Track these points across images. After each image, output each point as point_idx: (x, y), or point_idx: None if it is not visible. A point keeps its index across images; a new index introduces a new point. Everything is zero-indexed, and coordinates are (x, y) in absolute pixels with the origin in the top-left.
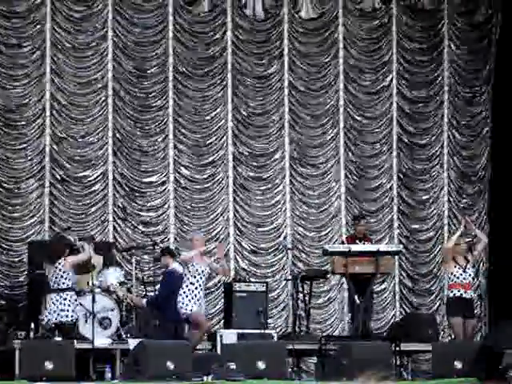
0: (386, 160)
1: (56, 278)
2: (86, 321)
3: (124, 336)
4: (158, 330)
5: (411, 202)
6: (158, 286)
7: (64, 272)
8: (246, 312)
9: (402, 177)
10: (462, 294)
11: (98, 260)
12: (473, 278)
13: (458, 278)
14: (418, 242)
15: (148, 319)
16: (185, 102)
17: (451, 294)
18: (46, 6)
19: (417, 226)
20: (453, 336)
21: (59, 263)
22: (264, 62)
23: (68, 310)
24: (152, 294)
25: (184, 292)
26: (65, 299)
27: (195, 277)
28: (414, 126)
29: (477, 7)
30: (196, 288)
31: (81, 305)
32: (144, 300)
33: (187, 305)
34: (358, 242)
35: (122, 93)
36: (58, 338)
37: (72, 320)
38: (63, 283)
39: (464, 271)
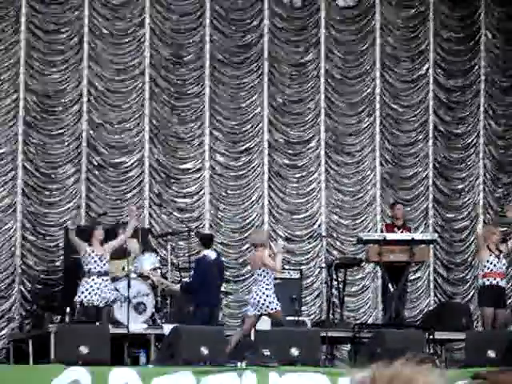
0: (421, 149)
1: (94, 260)
2: (121, 306)
3: (159, 321)
4: (191, 315)
5: (446, 191)
6: (191, 272)
7: (101, 256)
8: (281, 299)
9: (437, 166)
10: (497, 283)
11: (134, 246)
12: (506, 268)
13: (494, 265)
14: (453, 231)
15: (182, 305)
16: (221, 89)
17: (487, 283)
18: None
19: (452, 215)
20: (481, 325)
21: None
22: (300, 49)
23: (107, 292)
24: (187, 279)
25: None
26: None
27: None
28: (450, 115)
29: None
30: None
31: (116, 290)
32: (178, 286)
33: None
34: (396, 230)
35: (159, 79)
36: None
37: (107, 303)
38: (100, 267)
39: (499, 260)
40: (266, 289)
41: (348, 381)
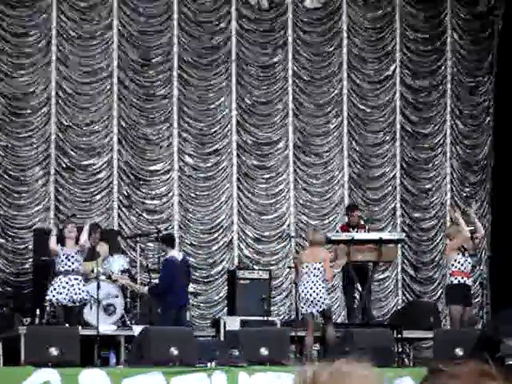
0: (389, 149)
1: (61, 260)
2: (91, 307)
3: (128, 322)
4: (160, 316)
5: (414, 191)
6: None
7: (68, 255)
8: (250, 299)
9: (404, 166)
10: (465, 281)
11: (103, 247)
12: (472, 266)
13: (462, 265)
14: (421, 231)
15: (152, 306)
16: (189, 91)
17: (455, 281)
18: None
19: (419, 215)
20: (449, 323)
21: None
22: (268, 51)
23: (78, 292)
24: (156, 281)
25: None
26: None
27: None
28: (417, 115)
29: None
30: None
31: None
32: (146, 288)
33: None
34: (351, 230)
35: (127, 82)
36: (65, 325)
37: (80, 301)
38: (68, 266)
39: (465, 259)
40: (322, 286)
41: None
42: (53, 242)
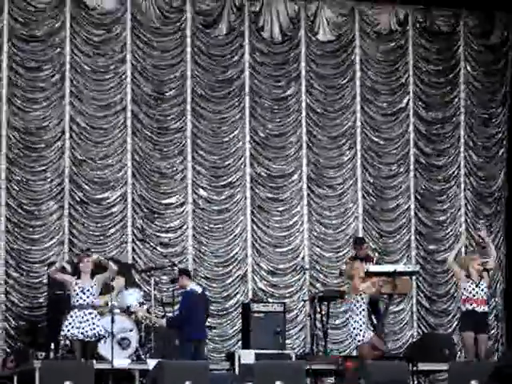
0: (403, 181)
1: (76, 293)
2: (105, 341)
3: (143, 356)
4: (177, 350)
5: (428, 223)
6: (177, 307)
7: (83, 288)
8: (264, 332)
9: (419, 197)
10: (474, 308)
11: (118, 281)
12: (487, 295)
13: (470, 292)
14: (436, 263)
15: (167, 339)
16: (203, 124)
17: (464, 309)
18: (66, 29)
19: (434, 247)
20: (463, 352)
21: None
22: (281, 84)
23: (93, 327)
24: (171, 314)
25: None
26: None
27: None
28: (430, 147)
29: (492, 29)
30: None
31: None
32: (164, 320)
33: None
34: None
35: (141, 115)
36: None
37: (95, 336)
38: (83, 299)
39: (477, 286)
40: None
41: None
42: (54, 271)
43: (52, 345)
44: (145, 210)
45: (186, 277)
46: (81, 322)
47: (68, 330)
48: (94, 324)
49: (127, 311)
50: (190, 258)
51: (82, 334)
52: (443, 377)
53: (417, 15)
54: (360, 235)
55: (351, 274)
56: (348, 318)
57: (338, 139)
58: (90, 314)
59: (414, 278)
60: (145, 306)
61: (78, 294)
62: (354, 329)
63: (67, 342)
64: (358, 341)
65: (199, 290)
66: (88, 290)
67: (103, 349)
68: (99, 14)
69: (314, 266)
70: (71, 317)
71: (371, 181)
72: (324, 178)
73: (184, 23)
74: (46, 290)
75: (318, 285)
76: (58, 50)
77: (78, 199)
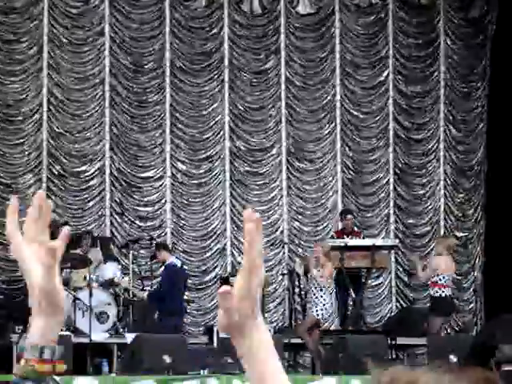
0: (382, 155)
1: None
2: (83, 315)
3: (121, 330)
4: (158, 323)
5: (407, 197)
6: (158, 280)
7: None
8: None
9: (398, 172)
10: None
11: (96, 255)
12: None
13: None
14: (414, 237)
15: (146, 313)
16: (182, 97)
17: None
18: (43, 1)
19: (413, 221)
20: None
21: None
22: (261, 57)
23: None
24: (149, 288)
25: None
26: None
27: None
28: (410, 121)
29: (472, 2)
30: None
31: (78, 299)
32: (145, 294)
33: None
34: (345, 236)
35: (119, 88)
36: None
37: None
38: None
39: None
40: None
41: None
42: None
43: (29, 318)
44: (123, 183)
45: (165, 251)
46: None
47: None
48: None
49: (108, 283)
50: (169, 232)
51: None
52: (422, 351)
53: None
54: (339, 209)
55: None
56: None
57: (318, 113)
58: None
59: (392, 252)
60: (126, 278)
61: None
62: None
63: None
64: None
65: (179, 263)
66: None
67: (81, 323)
68: None
69: (293, 240)
70: None
71: (350, 155)
72: (303, 151)
73: None
74: None
75: (296, 259)
76: (36, 22)
77: (56, 172)
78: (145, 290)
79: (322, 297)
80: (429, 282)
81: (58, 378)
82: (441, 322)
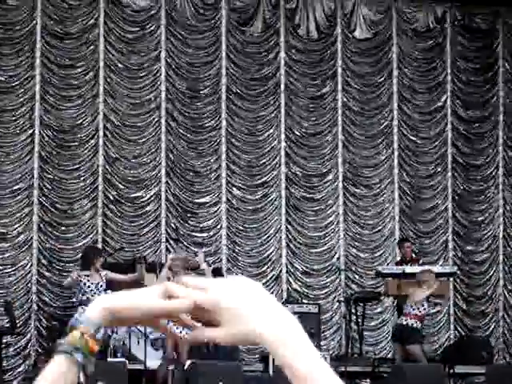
0: (440, 181)
1: (90, 289)
2: (138, 342)
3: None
4: (213, 350)
5: (466, 223)
6: None
7: (97, 283)
8: None
9: (456, 198)
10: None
11: (152, 281)
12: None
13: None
14: (473, 264)
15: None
16: (238, 123)
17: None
18: (99, 26)
19: (472, 248)
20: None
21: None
22: (317, 82)
23: None
24: None
25: None
26: None
27: None
28: (468, 147)
29: None
30: None
31: (133, 326)
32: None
33: None
34: (405, 265)
35: (175, 113)
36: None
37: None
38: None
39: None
40: None
41: None
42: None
43: None
44: (179, 209)
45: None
46: None
47: None
48: None
49: None
50: (224, 258)
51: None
52: (480, 380)
53: (455, 12)
54: (396, 236)
55: None
56: None
57: (375, 138)
58: None
59: (451, 279)
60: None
61: (92, 290)
62: None
63: None
64: None
65: None
66: (101, 286)
67: (136, 349)
68: (133, 11)
69: (350, 267)
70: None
71: (408, 180)
72: (360, 177)
73: (219, 20)
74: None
75: (353, 286)
76: (92, 47)
77: (112, 198)
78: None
79: None
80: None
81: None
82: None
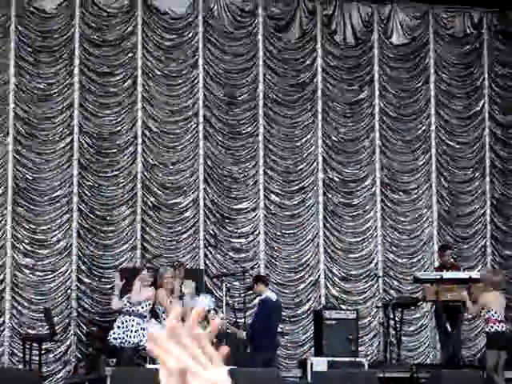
0: (478, 186)
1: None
2: None
3: None
4: (251, 358)
5: (504, 229)
6: (249, 313)
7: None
8: (337, 339)
9: (495, 203)
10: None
11: (189, 287)
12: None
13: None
14: None
15: (239, 347)
16: (275, 129)
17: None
18: (137, 34)
19: (510, 253)
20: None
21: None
22: (354, 87)
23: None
24: (242, 321)
25: None
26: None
27: None
28: (506, 151)
29: None
30: None
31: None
32: (244, 333)
33: None
34: (445, 271)
35: (213, 120)
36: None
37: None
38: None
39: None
40: None
41: None
42: (115, 303)
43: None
44: (217, 215)
45: (262, 284)
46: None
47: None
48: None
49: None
50: (262, 264)
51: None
52: None
53: (491, 18)
54: (435, 241)
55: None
56: None
57: (412, 143)
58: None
59: None
60: (221, 314)
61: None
62: None
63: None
64: None
65: (274, 297)
66: (140, 303)
67: None
68: (171, 18)
69: (388, 273)
70: (139, 324)
71: (446, 186)
72: (398, 182)
73: (256, 27)
74: (117, 295)
75: (391, 291)
76: (130, 54)
77: (151, 204)
78: (238, 324)
79: None
80: (483, 318)
81: None
82: (497, 357)
